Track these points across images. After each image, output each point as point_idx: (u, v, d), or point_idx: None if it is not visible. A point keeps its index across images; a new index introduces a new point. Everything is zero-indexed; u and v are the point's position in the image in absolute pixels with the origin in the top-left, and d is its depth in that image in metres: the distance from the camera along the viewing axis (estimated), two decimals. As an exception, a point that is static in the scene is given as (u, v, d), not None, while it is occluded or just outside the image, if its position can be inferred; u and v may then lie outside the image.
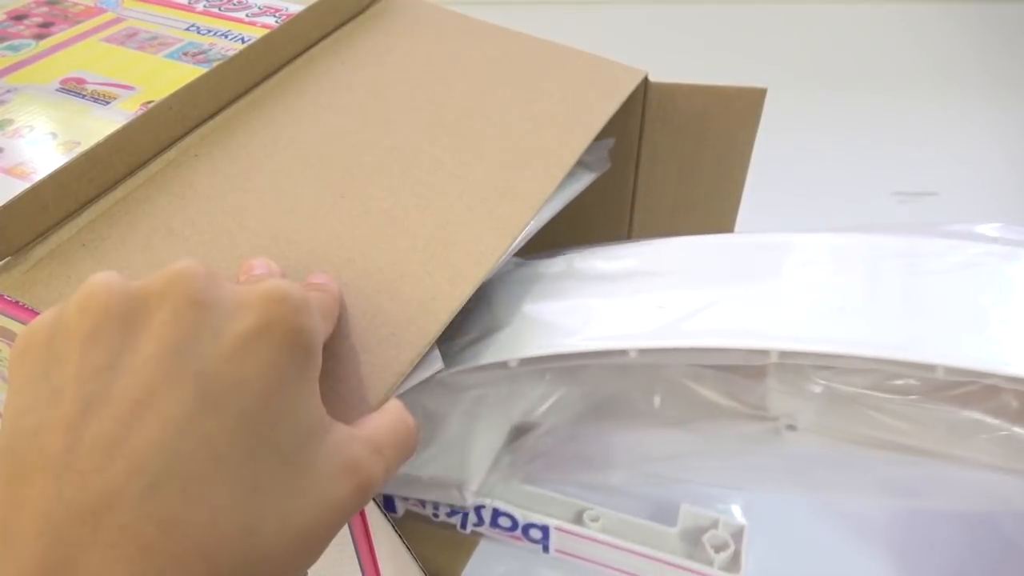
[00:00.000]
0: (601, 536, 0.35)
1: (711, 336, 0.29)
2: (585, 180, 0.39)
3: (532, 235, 0.33)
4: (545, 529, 0.36)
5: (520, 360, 0.31)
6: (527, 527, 0.36)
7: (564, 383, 0.33)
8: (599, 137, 0.36)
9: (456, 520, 0.37)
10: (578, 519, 0.36)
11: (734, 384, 0.31)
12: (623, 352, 0.30)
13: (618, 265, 0.35)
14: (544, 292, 0.35)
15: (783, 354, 0.28)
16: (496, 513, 0.36)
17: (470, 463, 0.35)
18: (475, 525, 0.37)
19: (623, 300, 0.32)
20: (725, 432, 0.32)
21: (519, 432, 0.35)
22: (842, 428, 0.30)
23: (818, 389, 0.29)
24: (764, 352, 0.28)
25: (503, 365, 0.32)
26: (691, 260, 0.34)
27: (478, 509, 0.36)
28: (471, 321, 0.34)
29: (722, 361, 0.30)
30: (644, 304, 0.32)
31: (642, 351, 0.30)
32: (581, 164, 0.38)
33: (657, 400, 0.32)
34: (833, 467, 0.33)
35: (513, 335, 0.32)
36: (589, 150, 0.37)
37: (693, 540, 0.35)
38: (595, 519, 0.36)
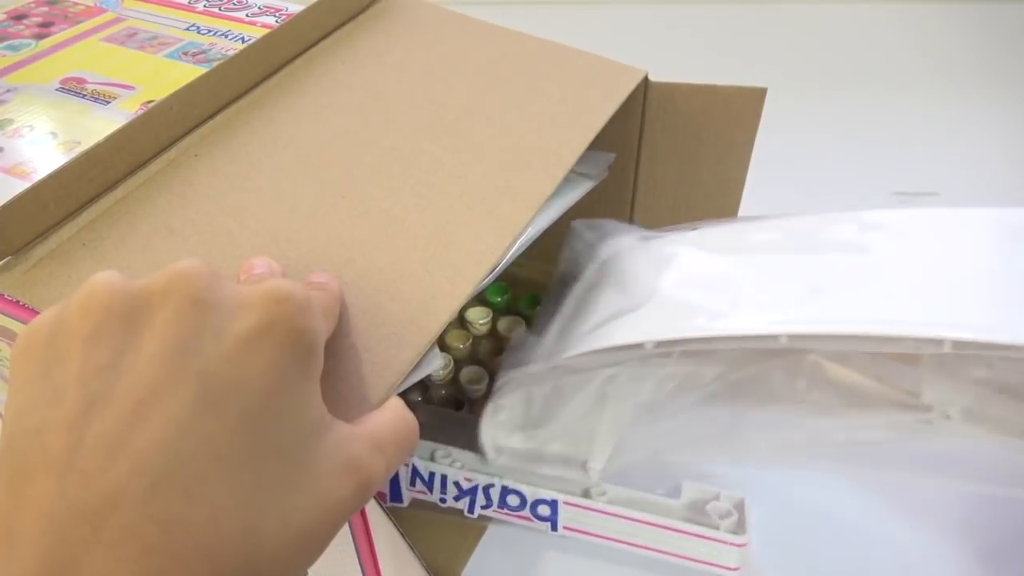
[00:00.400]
0: (609, 508, 0.36)
1: (878, 323, 0.26)
2: (583, 188, 0.38)
3: (531, 241, 0.32)
4: (554, 504, 0.36)
5: (658, 342, 0.29)
6: (536, 503, 0.36)
7: (692, 363, 0.31)
8: (599, 136, 0.36)
9: (464, 504, 0.37)
10: (585, 495, 0.36)
11: (885, 368, 0.28)
12: (775, 337, 0.27)
13: (755, 241, 0.32)
14: (679, 270, 0.32)
15: (956, 344, 0.25)
16: (505, 491, 0.36)
17: (596, 442, 0.35)
18: (483, 507, 0.37)
19: (770, 280, 0.30)
20: (873, 420, 0.29)
21: (643, 411, 0.34)
22: (1003, 418, 0.28)
23: (980, 376, 0.27)
24: (937, 341, 0.25)
25: (639, 346, 0.30)
26: (834, 238, 0.31)
27: (487, 489, 0.36)
28: (600, 300, 0.33)
29: (888, 349, 0.27)
30: (795, 285, 0.29)
31: (793, 336, 0.27)
32: (580, 175, 0.38)
33: (802, 384, 0.29)
34: (987, 459, 0.30)
35: (652, 315, 0.31)
36: (590, 162, 0.36)
37: (697, 510, 0.36)
38: (602, 493, 0.36)
